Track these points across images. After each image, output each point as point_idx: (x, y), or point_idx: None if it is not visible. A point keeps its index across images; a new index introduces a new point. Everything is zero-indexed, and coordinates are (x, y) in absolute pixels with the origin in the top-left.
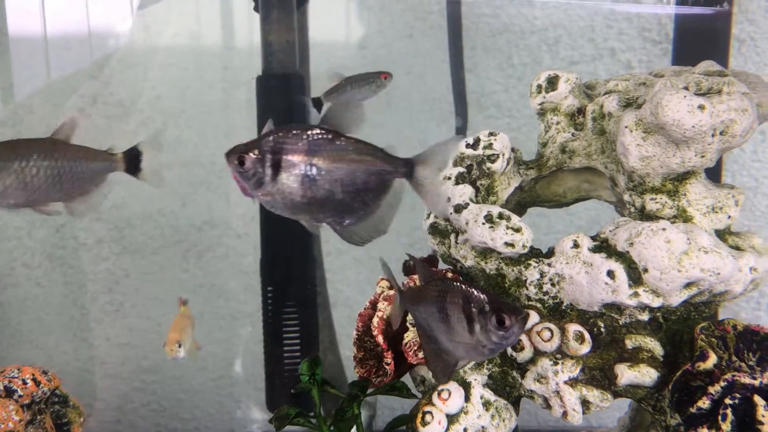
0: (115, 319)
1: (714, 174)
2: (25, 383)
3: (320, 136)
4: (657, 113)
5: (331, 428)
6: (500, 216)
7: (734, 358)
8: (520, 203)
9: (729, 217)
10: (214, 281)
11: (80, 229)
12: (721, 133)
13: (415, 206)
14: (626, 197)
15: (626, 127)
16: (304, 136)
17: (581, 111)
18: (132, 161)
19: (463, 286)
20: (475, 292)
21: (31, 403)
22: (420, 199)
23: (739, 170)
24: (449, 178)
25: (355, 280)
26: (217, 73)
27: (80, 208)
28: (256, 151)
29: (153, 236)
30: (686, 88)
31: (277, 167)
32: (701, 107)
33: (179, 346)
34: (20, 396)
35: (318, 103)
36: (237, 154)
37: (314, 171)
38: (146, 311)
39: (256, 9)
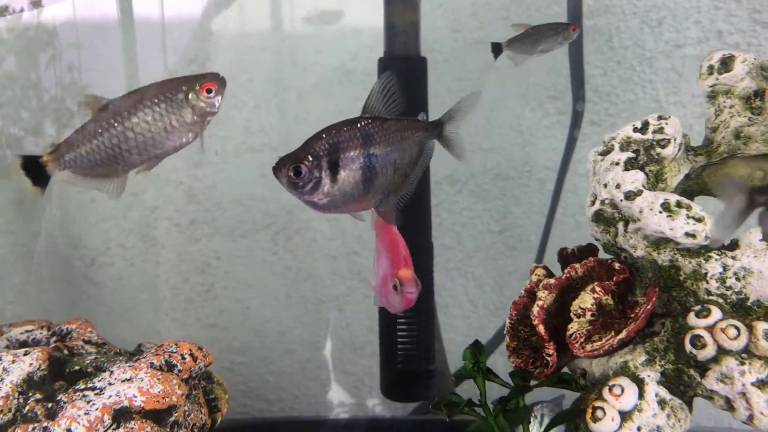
0: (206, 300)
1: None
2: (183, 358)
3: (369, 125)
4: None
5: (500, 417)
6: (679, 204)
7: None
8: (685, 191)
9: None
10: (302, 265)
11: (174, 211)
12: None
13: (505, 193)
14: None
15: None
16: (356, 130)
17: (758, 94)
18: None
19: None
20: None
21: (188, 378)
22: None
23: None
24: (617, 164)
25: (444, 267)
26: (309, 56)
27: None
28: (310, 158)
29: (243, 219)
30: None
31: (335, 167)
32: None
33: None
34: (180, 370)
35: (497, 50)
36: (291, 165)
37: (372, 160)
38: (236, 293)
39: None
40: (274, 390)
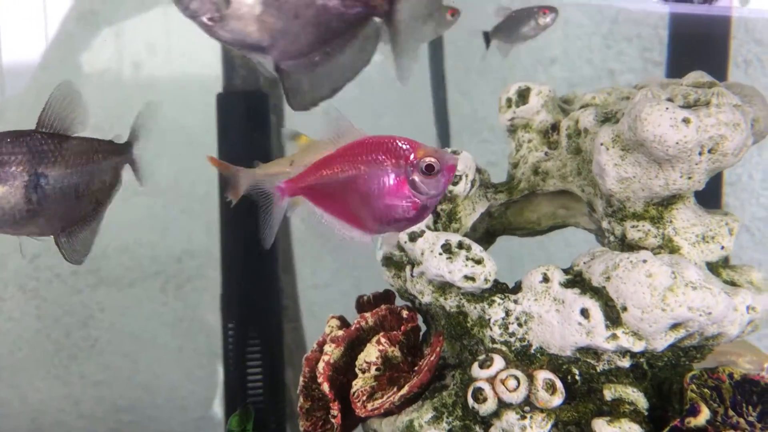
0: (90, 355)
1: (712, 201)
2: None
3: (42, 140)
4: (636, 128)
5: None
6: (460, 245)
7: (731, 413)
8: (488, 231)
9: (722, 247)
10: (194, 315)
11: (55, 260)
12: (709, 151)
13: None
14: (605, 224)
15: (602, 144)
16: (23, 143)
17: (555, 127)
18: None
19: None
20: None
21: None
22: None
23: (748, 199)
24: None
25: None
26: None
27: None
28: None
29: (130, 267)
30: (670, 100)
31: None
32: (686, 121)
33: None
34: None
35: (487, 39)
36: None
37: (42, 180)
38: (122, 347)
39: None
40: None
